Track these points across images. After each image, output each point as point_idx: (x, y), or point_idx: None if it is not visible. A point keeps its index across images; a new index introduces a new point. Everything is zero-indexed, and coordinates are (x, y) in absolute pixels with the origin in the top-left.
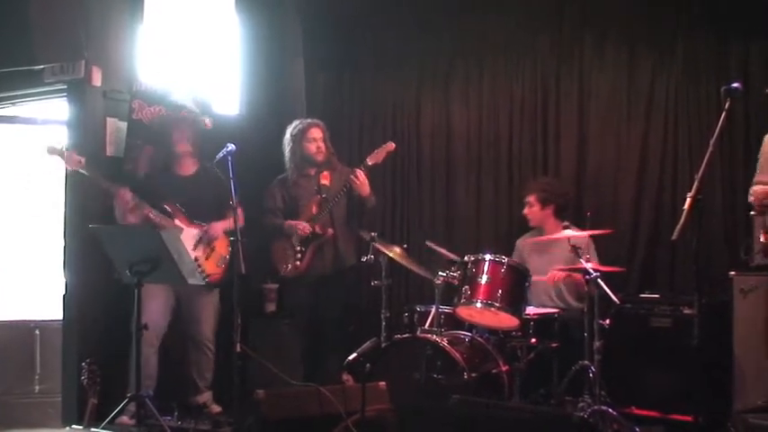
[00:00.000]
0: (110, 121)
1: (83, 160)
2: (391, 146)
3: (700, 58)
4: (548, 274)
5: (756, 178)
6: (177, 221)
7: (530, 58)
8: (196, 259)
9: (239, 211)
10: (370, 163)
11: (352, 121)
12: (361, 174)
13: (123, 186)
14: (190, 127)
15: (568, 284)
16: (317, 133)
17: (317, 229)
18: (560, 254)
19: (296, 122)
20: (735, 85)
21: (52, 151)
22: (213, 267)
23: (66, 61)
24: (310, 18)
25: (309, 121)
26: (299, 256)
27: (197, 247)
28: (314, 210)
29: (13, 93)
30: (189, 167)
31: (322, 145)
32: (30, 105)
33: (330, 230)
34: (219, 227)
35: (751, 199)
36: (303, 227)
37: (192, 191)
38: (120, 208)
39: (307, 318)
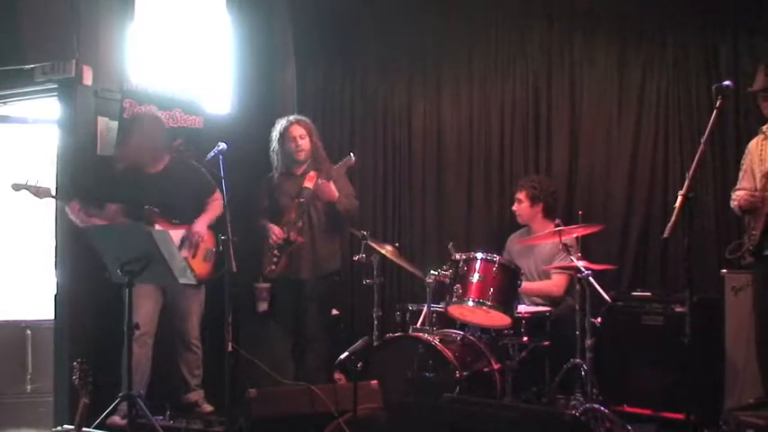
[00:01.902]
0: (101, 120)
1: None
2: (351, 161)
3: (690, 57)
4: (533, 276)
5: (739, 185)
6: (158, 227)
7: (521, 57)
8: (184, 259)
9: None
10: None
11: (344, 120)
12: (314, 179)
13: (72, 200)
14: (150, 127)
15: None
16: (296, 131)
17: (291, 237)
18: (541, 254)
19: (280, 121)
20: (726, 83)
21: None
22: (201, 263)
23: (56, 60)
24: (302, 17)
25: (292, 118)
26: (275, 260)
27: (182, 248)
28: (292, 214)
29: (3, 92)
30: (157, 164)
31: (302, 143)
32: (20, 105)
33: (301, 239)
34: (202, 225)
35: (734, 204)
36: (276, 233)
37: (165, 188)
38: (75, 219)
39: (290, 318)
